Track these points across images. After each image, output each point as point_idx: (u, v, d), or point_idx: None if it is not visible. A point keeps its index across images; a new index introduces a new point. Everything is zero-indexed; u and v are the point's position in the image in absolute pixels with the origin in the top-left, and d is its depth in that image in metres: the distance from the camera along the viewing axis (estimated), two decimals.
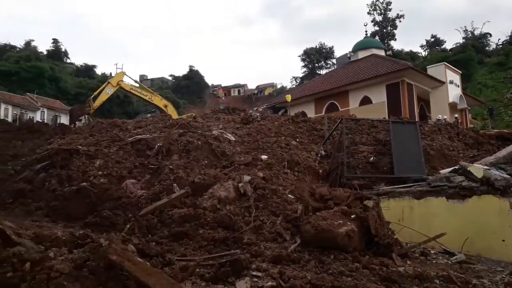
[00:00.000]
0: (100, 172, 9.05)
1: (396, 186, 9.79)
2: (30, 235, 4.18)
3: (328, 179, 10.45)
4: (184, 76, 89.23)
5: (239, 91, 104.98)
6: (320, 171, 10.61)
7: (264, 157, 10.28)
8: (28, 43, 71.49)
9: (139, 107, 67.82)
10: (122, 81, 25.54)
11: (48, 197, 8.51)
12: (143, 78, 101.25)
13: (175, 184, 8.17)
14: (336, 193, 7.55)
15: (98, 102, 24.49)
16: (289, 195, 7.86)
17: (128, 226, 6.72)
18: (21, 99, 49.14)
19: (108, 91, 24.91)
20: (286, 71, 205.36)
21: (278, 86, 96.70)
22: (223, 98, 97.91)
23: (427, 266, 5.81)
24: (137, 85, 27.22)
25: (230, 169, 9.35)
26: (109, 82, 25.36)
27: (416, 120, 23.52)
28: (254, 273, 4.51)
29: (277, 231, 6.44)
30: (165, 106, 26.67)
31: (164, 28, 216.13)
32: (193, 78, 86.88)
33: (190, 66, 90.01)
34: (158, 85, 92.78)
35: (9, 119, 40.16)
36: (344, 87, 30.63)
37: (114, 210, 7.38)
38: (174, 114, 24.57)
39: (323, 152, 11.95)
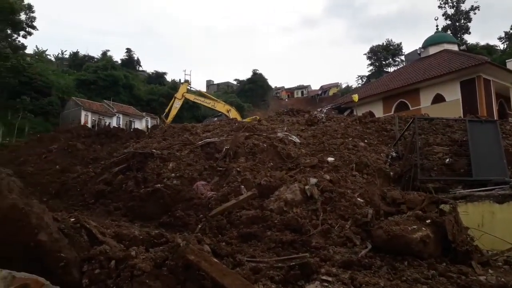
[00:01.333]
0: (173, 174, 9.49)
1: (474, 190, 9.10)
2: (111, 234, 4.49)
3: (400, 182, 9.99)
4: (248, 79, 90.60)
5: (302, 92, 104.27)
6: (391, 173, 10.18)
7: (330, 159, 10.10)
8: (104, 53, 77.05)
9: (206, 111, 70.11)
10: (186, 92, 27.79)
11: (125, 198, 9.08)
12: (209, 83, 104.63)
13: (243, 186, 8.32)
14: (410, 196, 7.23)
15: (170, 118, 26.77)
16: (358, 199, 7.63)
17: (199, 226, 6.97)
18: (99, 106, 53.08)
19: (176, 105, 27.24)
20: (351, 70, 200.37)
21: (343, 86, 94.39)
22: (286, 100, 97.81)
23: (511, 276, 5.32)
24: (201, 92, 30.05)
25: (296, 172, 9.31)
26: (175, 97, 27.67)
27: (495, 118, 21.72)
28: (324, 277, 4.43)
29: (346, 235, 6.29)
30: (228, 111, 27.85)
31: (229, 33, 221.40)
32: (256, 82, 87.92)
33: (254, 70, 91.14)
34: (223, 89, 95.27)
35: (89, 124, 43.55)
36: (415, 85, 29.08)
37: (186, 210, 7.70)
38: (238, 118, 25.36)
39: (394, 154, 11.45)
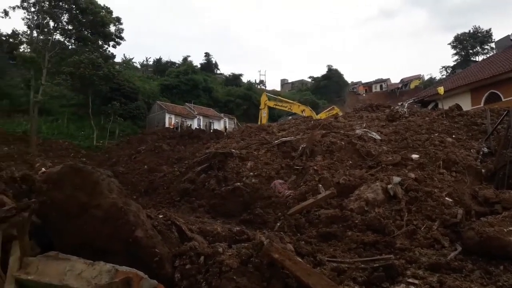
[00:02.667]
0: (251, 173, 9.71)
1: None
2: (196, 230, 4.72)
3: (492, 180, 9.13)
4: (322, 76, 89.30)
5: (381, 86, 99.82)
6: (483, 171, 9.34)
7: (415, 156, 9.55)
8: (185, 59, 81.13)
9: (281, 111, 70.61)
10: (268, 100, 31.64)
11: (208, 196, 9.48)
12: (284, 82, 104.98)
13: (320, 185, 8.23)
14: (505, 196, 6.63)
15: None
16: (447, 198, 7.13)
17: (278, 224, 7.04)
18: (181, 108, 56.03)
19: (263, 115, 30.93)
20: (433, 61, 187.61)
21: (425, 78, 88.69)
22: (364, 95, 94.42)
23: None
24: (279, 97, 34.11)
25: (377, 170, 8.97)
26: (260, 109, 31.84)
27: None
28: (410, 280, 4.23)
29: (433, 236, 5.92)
30: (302, 111, 30.02)
31: (302, 31, 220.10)
32: (331, 78, 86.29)
33: (329, 66, 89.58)
34: (298, 87, 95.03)
35: (172, 126, 46.19)
36: (508, 74, 26.35)
37: (265, 208, 7.83)
38: (313, 116, 25.89)
39: (485, 150, 10.49)
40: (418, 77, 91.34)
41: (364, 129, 12.15)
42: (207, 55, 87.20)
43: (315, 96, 75.74)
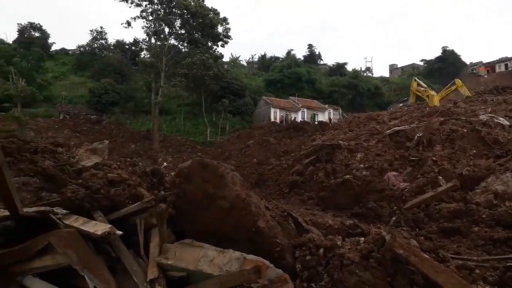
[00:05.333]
0: (361, 165, 9.42)
1: None
2: (307, 222, 4.76)
3: None
4: (436, 58, 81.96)
5: (506, 65, 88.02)
6: None
7: None
8: (288, 53, 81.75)
9: (390, 98, 66.87)
10: (418, 86, 32.47)
11: (317, 188, 9.49)
12: (393, 67, 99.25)
13: (440, 177, 7.63)
14: None
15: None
16: None
17: (393, 218, 6.73)
18: (286, 102, 56.69)
19: (412, 99, 31.93)
20: None
21: None
22: (486, 76, 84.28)
23: None
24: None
25: (506, 159, 8.00)
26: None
27: None
28: None
29: None
30: (427, 96, 29.30)
31: (411, 11, 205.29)
32: (446, 59, 78.72)
33: (443, 47, 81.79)
34: (408, 72, 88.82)
35: (277, 120, 47.06)
36: None
37: (378, 202, 7.54)
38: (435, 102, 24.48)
39: None
40: None
41: (490, 114, 10.88)
42: (310, 46, 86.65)
43: (429, 81, 70.11)
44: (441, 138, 9.50)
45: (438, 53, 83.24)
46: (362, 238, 3.51)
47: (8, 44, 58.16)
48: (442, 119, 10.81)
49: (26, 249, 3.07)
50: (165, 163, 22.33)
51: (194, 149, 36.48)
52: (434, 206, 6.69)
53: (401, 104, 38.58)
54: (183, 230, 3.30)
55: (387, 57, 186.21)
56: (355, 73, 71.64)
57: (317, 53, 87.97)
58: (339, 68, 79.31)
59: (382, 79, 76.50)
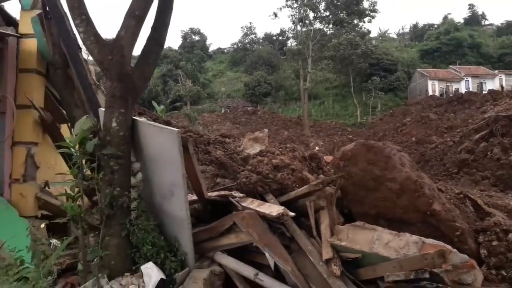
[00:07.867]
0: None
1: None
2: (488, 204, 4.28)
3: None
4: None
5: None
6: None
7: None
8: (445, 17, 72.97)
9: None
10: None
11: (492, 166, 8.43)
12: None
13: None
14: None
15: None
16: None
17: None
18: (445, 72, 51.08)
19: None
20: None
21: None
22: None
23: None
24: None
25: None
26: None
27: None
28: None
29: None
30: None
31: None
32: None
33: None
34: None
35: (437, 93, 42.85)
36: None
37: None
38: None
39: None
40: None
41: None
42: (471, 6, 75.77)
43: None
44: None
45: None
46: None
47: (175, 50, 66.87)
48: None
49: (214, 228, 3.59)
50: (316, 148, 22.77)
51: (345, 131, 36.12)
52: None
53: None
54: (350, 212, 3.36)
55: None
56: None
57: (480, 13, 76.36)
58: (510, 26, 67.42)
59: None
